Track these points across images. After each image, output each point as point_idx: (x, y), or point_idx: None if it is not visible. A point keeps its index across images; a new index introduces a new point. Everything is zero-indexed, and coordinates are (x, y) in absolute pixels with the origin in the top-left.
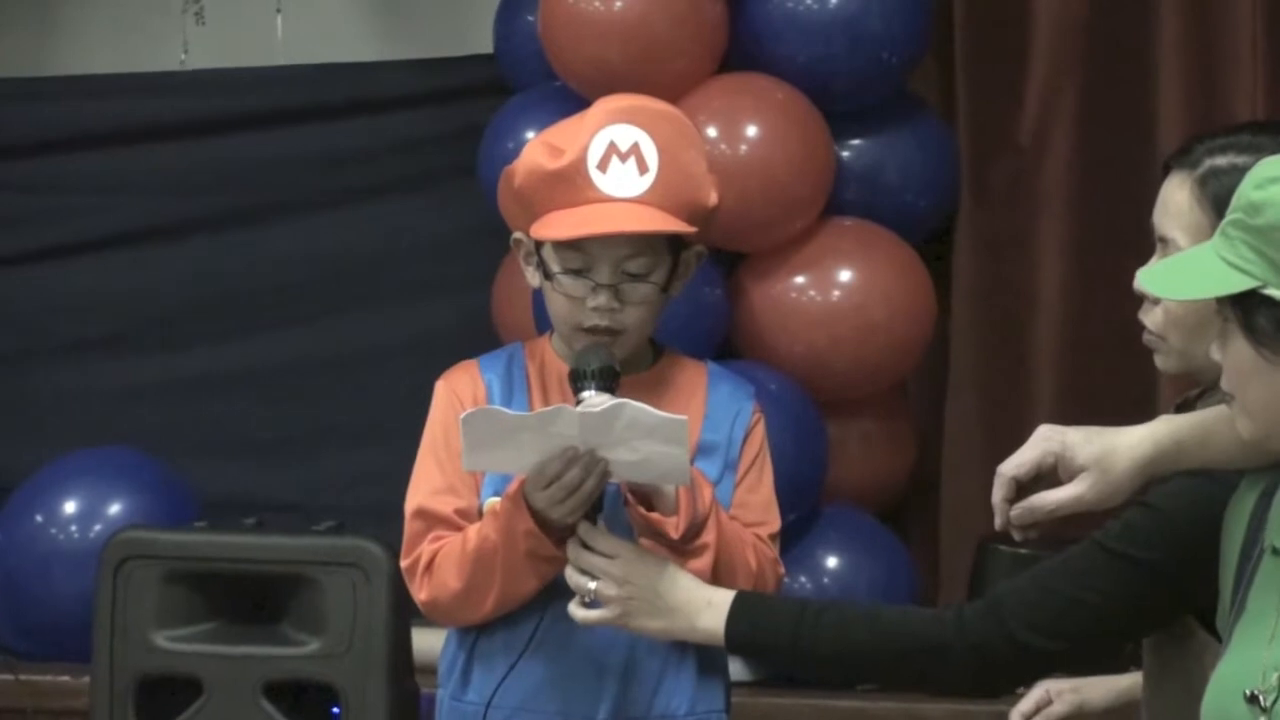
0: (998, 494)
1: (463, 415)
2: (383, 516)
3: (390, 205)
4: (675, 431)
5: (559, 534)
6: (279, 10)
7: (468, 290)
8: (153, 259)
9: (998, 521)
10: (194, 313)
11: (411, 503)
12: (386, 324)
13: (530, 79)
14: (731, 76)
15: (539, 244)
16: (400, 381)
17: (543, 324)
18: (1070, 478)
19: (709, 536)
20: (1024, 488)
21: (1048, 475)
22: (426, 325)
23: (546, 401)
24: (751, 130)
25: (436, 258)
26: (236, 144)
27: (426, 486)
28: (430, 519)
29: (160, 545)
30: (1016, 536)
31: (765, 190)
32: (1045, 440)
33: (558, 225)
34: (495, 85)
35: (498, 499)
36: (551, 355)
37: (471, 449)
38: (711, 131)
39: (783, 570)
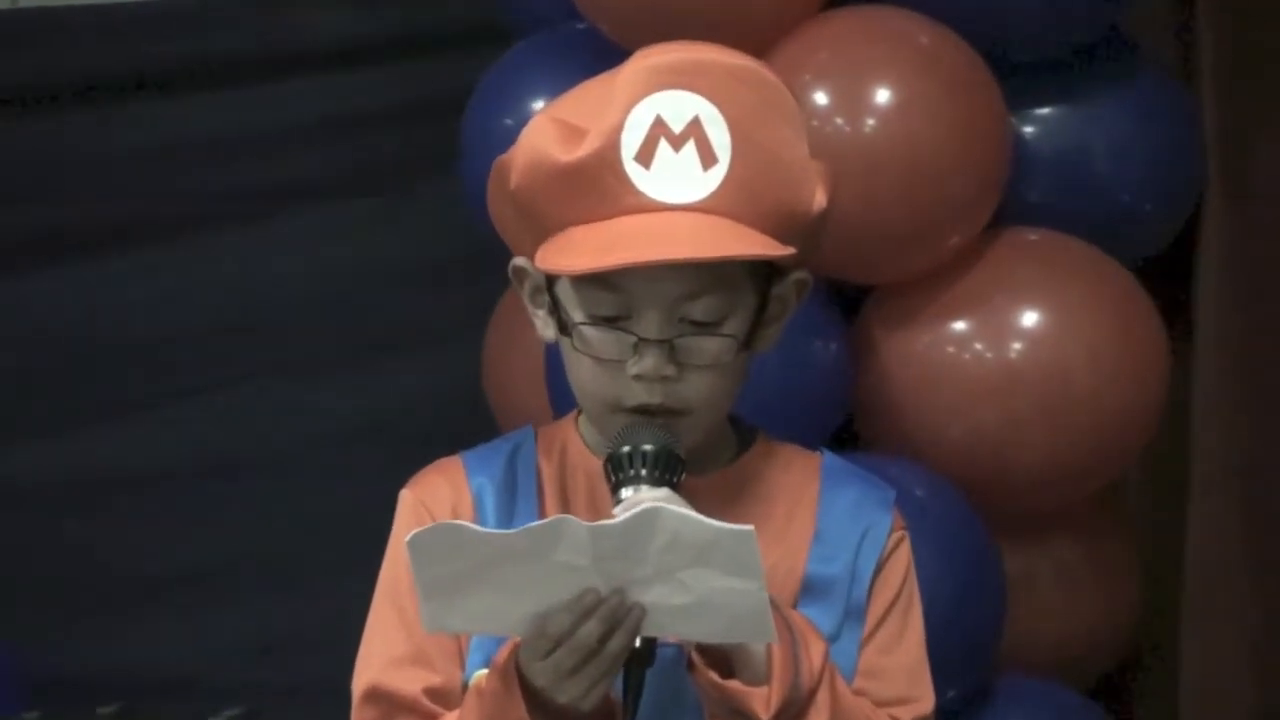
0: None
1: (409, 537)
2: (317, 698)
3: (324, 216)
4: (741, 550)
5: None
6: None
7: (447, 347)
8: None
9: None
10: (15, 389)
11: (362, 679)
12: (320, 399)
13: (540, 19)
14: (850, 12)
15: (553, 277)
16: (344, 489)
17: (564, 399)
18: None
19: (819, 719)
20: None
21: None
22: (382, 402)
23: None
24: (881, 95)
25: (398, 297)
26: (78, 122)
27: (384, 654)
28: (390, 704)
29: None
30: None
31: (904, 188)
32: None
33: (576, 250)
34: (487, 30)
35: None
36: (578, 447)
37: (431, 594)
38: (819, 98)
39: None
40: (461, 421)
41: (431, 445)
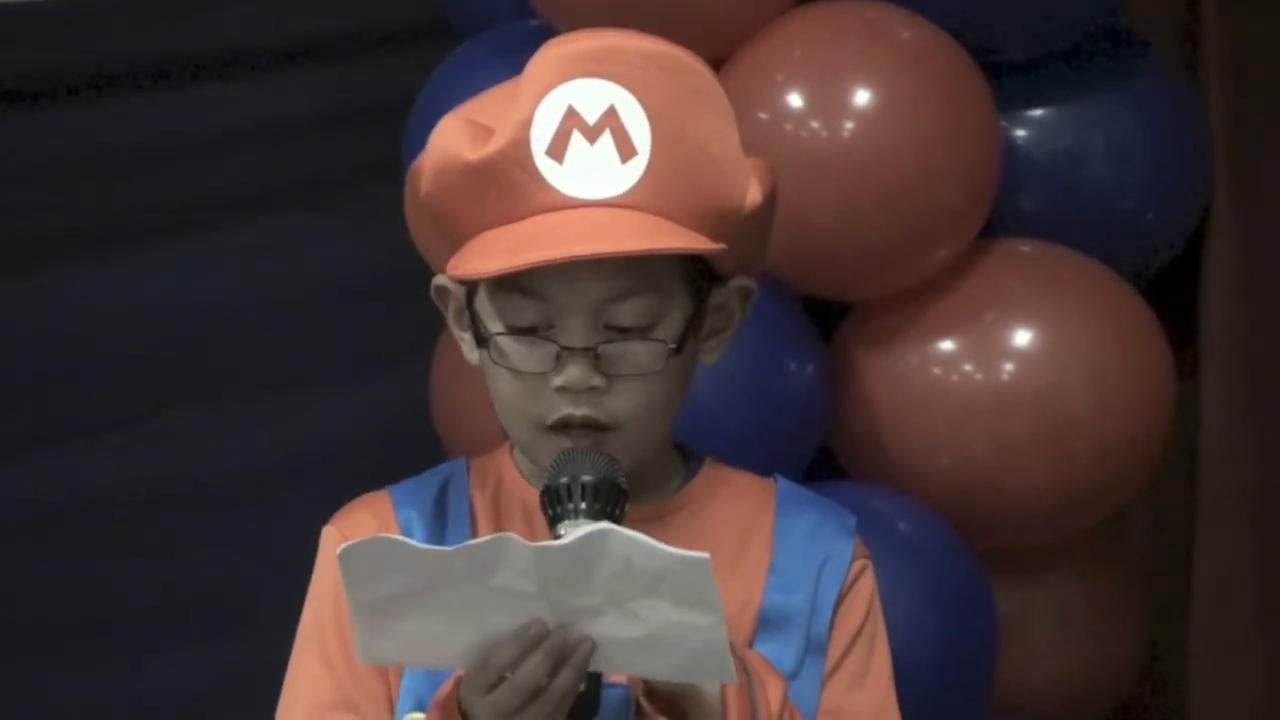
0: None
1: (340, 550)
2: None
3: (261, 230)
4: (696, 580)
5: None
6: None
7: (391, 373)
8: None
9: None
10: None
11: None
12: (247, 432)
13: (488, 16)
14: (826, 7)
15: (472, 292)
16: (270, 527)
17: None
18: None
19: None
20: None
21: None
22: (315, 434)
23: None
24: (861, 97)
25: (336, 318)
26: None
27: (309, 700)
28: None
29: None
30: None
31: (886, 197)
32: None
33: (487, 254)
34: (432, 27)
35: (421, 715)
36: (514, 476)
37: (365, 617)
38: (794, 100)
39: None
40: (414, 451)
41: (371, 477)
